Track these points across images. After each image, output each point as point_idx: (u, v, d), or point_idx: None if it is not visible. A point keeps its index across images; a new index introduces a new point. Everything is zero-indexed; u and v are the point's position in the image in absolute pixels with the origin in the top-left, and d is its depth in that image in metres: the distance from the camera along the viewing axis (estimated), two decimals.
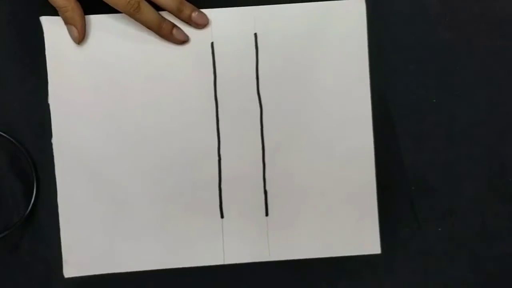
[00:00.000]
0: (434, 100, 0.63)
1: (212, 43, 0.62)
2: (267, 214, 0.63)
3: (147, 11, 0.60)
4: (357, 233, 0.63)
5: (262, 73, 0.63)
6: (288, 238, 0.63)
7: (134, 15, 0.60)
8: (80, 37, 0.62)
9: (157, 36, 0.62)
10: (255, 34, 0.62)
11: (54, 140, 0.62)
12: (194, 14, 0.62)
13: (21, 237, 0.63)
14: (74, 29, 0.61)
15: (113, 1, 0.59)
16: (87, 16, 0.62)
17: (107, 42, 0.62)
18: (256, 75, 0.63)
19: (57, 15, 0.61)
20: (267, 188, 0.63)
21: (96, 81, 0.62)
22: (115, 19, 0.62)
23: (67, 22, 0.61)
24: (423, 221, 0.63)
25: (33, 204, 0.62)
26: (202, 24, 0.62)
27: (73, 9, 0.60)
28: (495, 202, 0.63)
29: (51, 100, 0.62)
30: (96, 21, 0.62)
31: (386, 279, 0.64)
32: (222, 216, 0.63)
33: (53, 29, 0.62)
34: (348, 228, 0.63)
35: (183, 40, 0.62)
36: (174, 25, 0.62)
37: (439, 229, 0.63)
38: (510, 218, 0.63)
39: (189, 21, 0.62)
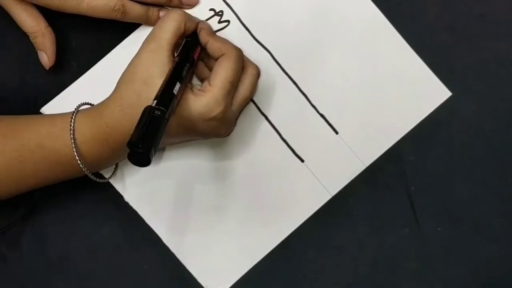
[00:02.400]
0: None
1: None
2: (337, 133, 0.63)
3: (133, 9, 0.60)
4: (420, 93, 0.63)
5: (248, 22, 0.63)
6: (369, 137, 0.63)
7: (122, 19, 0.60)
8: (51, 62, 0.61)
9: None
10: None
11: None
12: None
13: (21, 234, 0.63)
14: (44, 54, 0.61)
15: (97, 13, 0.59)
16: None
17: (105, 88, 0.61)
18: (245, 27, 0.63)
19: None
20: (321, 112, 0.63)
21: None
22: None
23: (37, 48, 0.61)
24: (423, 221, 0.63)
25: (34, 200, 0.63)
26: (195, 3, 0.62)
27: (43, 35, 0.60)
28: (495, 202, 0.63)
29: None
30: (93, 73, 0.63)
31: (386, 278, 0.64)
32: (302, 161, 0.64)
33: (57, 111, 0.61)
34: (410, 94, 0.63)
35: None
36: (159, 9, 0.62)
37: (439, 229, 0.63)
38: (509, 218, 0.63)
39: (181, 6, 0.62)
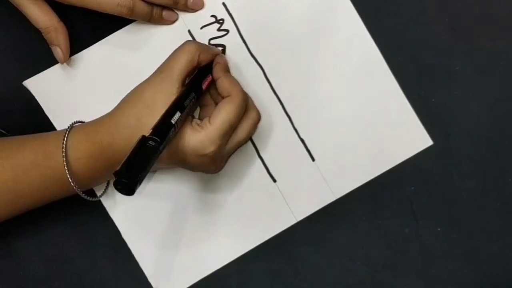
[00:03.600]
0: (433, 100, 0.63)
1: (189, 31, 0.63)
2: (313, 160, 0.63)
3: (138, 6, 0.60)
4: (402, 136, 0.63)
5: (247, 35, 0.63)
6: (344, 170, 0.63)
7: (127, 15, 0.60)
8: (65, 57, 0.61)
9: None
10: (224, 3, 0.63)
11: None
12: (190, 1, 0.62)
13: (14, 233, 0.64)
14: (58, 49, 0.61)
15: (103, 8, 0.59)
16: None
17: (94, 73, 0.63)
18: (242, 39, 0.63)
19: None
20: (302, 136, 0.63)
21: (98, 110, 0.62)
22: (96, 50, 0.63)
23: (51, 43, 0.61)
24: (423, 221, 0.63)
25: None
26: (199, 7, 0.62)
27: (56, 30, 0.60)
28: (495, 202, 0.63)
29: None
30: (81, 57, 0.63)
31: (386, 278, 0.64)
32: (274, 181, 0.64)
33: (40, 87, 0.63)
34: (392, 136, 0.63)
35: (174, 20, 0.62)
36: (162, 8, 0.62)
37: (439, 229, 0.63)
38: (510, 218, 0.63)
39: (186, 10, 0.62)
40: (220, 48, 0.63)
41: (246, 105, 0.59)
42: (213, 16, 0.63)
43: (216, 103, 0.59)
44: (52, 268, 0.64)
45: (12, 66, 0.64)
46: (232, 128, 0.58)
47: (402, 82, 0.63)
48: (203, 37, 0.63)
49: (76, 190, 0.57)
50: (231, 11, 0.63)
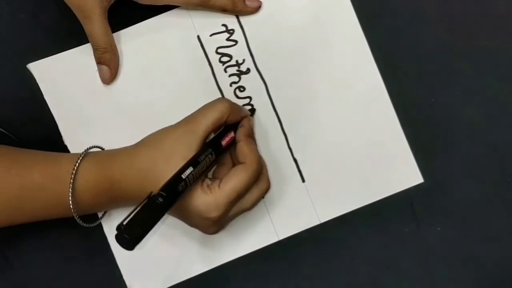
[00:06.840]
0: (433, 100, 0.63)
1: (198, 36, 0.63)
2: (303, 181, 0.63)
3: None
4: (394, 170, 0.63)
5: (255, 48, 0.63)
6: (332, 196, 0.63)
7: (207, 4, 0.60)
8: (112, 79, 0.62)
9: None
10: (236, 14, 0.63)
11: None
12: (248, 2, 0.62)
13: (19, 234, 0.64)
14: (107, 70, 0.61)
15: (180, 1, 0.59)
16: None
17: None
18: (250, 52, 0.63)
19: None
20: (295, 156, 0.63)
21: (99, 104, 0.63)
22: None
23: (102, 63, 0.61)
24: (423, 221, 0.63)
25: None
26: (258, 7, 0.62)
27: (113, 51, 0.61)
28: (495, 202, 0.63)
29: (65, 138, 0.63)
30: (88, 49, 0.62)
31: (386, 278, 0.64)
32: (262, 197, 0.63)
33: (44, 72, 0.62)
34: (384, 168, 0.63)
35: (259, 6, 0.62)
36: None
37: (439, 229, 0.63)
38: (510, 218, 0.63)
39: (243, 11, 0.62)
40: (249, 108, 0.63)
41: (259, 175, 0.58)
42: (223, 25, 0.63)
43: (234, 164, 0.59)
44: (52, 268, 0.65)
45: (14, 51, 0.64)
46: (240, 197, 0.57)
47: (402, 82, 0.63)
48: (211, 45, 0.63)
49: (76, 218, 0.57)
50: (242, 23, 0.63)
